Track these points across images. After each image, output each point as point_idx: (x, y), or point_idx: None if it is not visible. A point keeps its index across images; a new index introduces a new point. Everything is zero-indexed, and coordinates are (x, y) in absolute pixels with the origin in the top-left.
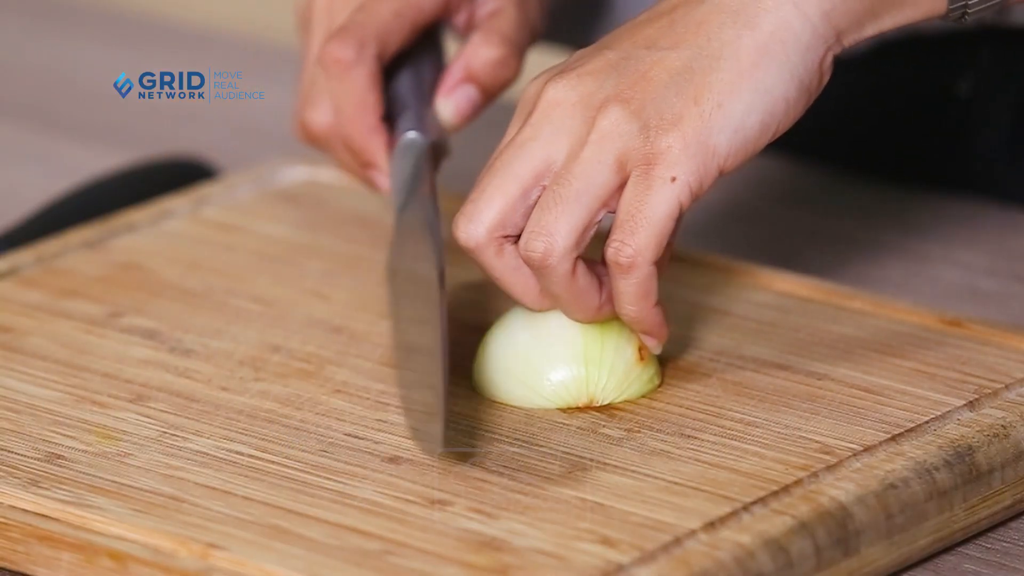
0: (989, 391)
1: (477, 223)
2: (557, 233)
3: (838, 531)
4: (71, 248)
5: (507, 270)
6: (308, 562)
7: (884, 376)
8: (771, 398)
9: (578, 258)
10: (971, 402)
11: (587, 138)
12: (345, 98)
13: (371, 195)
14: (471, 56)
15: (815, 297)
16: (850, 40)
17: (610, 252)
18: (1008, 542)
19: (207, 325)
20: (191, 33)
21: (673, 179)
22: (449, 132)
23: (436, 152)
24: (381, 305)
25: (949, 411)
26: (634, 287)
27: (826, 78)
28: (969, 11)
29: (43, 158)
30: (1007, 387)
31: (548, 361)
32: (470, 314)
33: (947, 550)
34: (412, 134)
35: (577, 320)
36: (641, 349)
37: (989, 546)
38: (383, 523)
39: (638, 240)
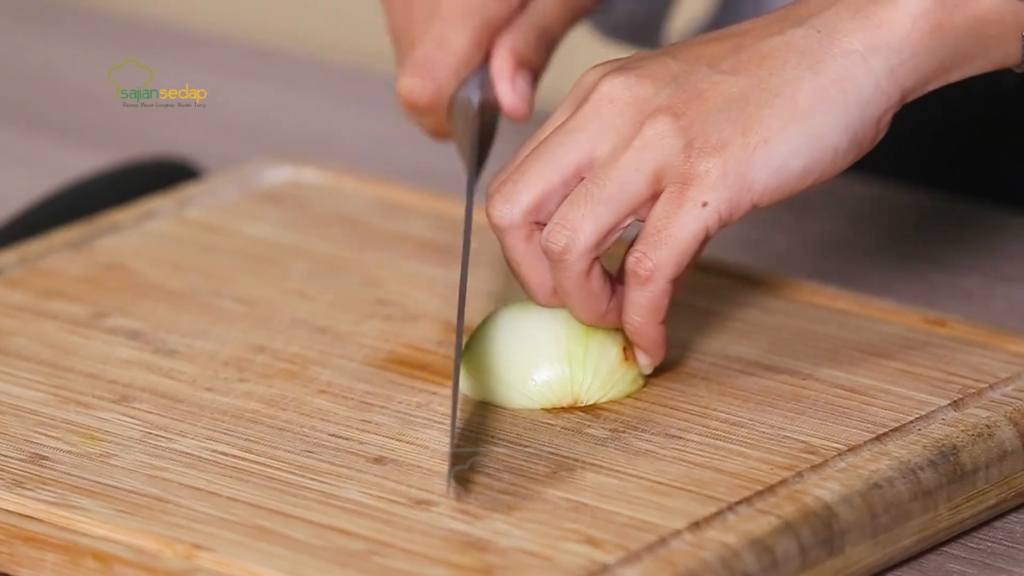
0: (973, 391)
1: (514, 204)
2: (581, 230)
3: (823, 531)
4: (55, 249)
5: (530, 257)
6: (293, 562)
7: (869, 376)
8: (756, 398)
9: (596, 259)
10: (955, 402)
11: (631, 142)
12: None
13: (354, 195)
14: (516, 44)
15: (799, 297)
16: (913, 97)
17: (630, 261)
18: (992, 542)
19: (191, 326)
20: (180, 34)
21: (704, 204)
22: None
23: (487, 111)
24: (365, 305)
25: (934, 411)
26: (646, 300)
27: (881, 135)
28: None
29: (27, 159)
30: (991, 387)
31: (532, 361)
32: (454, 314)
33: (932, 550)
34: (464, 93)
35: (581, 322)
36: (626, 349)
37: (974, 546)
38: (368, 523)
39: (659, 255)
